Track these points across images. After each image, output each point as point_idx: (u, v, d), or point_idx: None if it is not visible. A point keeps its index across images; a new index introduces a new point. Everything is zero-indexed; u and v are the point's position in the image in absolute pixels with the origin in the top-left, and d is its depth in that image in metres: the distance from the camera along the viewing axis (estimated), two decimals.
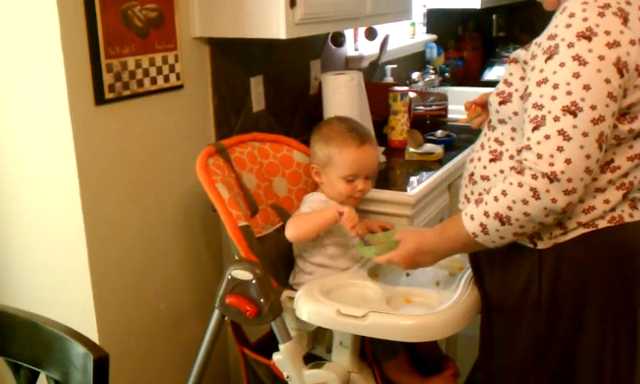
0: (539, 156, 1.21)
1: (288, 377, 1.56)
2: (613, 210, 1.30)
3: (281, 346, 1.55)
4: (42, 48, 1.53)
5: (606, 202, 1.30)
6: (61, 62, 1.51)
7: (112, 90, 1.64)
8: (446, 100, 2.93)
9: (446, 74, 3.73)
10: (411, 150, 2.33)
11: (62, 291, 1.70)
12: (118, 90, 1.65)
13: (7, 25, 1.56)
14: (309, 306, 1.46)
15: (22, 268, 1.75)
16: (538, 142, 1.22)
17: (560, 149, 1.19)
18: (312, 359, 1.60)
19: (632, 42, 1.20)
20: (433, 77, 3.50)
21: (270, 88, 2.27)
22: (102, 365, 1.04)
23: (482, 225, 1.30)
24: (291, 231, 1.64)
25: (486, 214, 1.29)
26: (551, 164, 1.20)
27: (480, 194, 1.36)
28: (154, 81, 1.76)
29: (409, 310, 1.47)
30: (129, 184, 1.74)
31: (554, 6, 1.38)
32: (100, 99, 1.61)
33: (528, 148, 1.23)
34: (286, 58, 2.37)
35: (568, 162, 1.19)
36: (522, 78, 1.34)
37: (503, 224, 1.27)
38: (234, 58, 2.07)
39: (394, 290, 1.54)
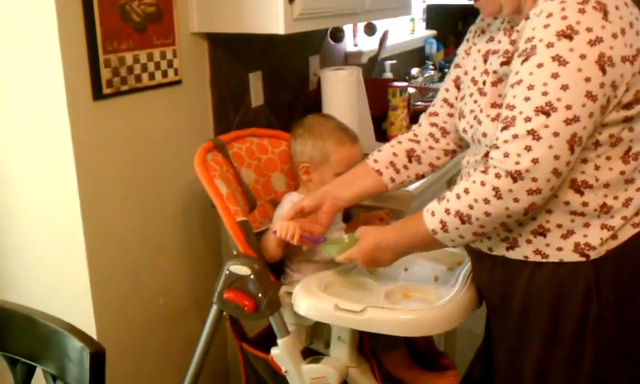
0: (506, 155, 1.19)
1: (286, 371, 1.56)
2: None
3: (279, 341, 1.55)
4: (40, 43, 1.52)
5: (639, 189, 1.28)
6: (58, 58, 1.51)
7: (110, 85, 1.63)
8: None
9: (446, 70, 3.71)
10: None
11: (60, 287, 1.70)
12: (116, 85, 1.65)
13: (4, 20, 1.55)
14: (307, 300, 1.46)
15: (20, 263, 1.75)
16: (506, 141, 1.19)
17: (528, 148, 1.17)
18: (310, 354, 1.60)
19: (614, 36, 1.17)
20: (432, 72, 3.50)
21: (269, 83, 2.27)
22: (98, 359, 1.04)
23: (442, 222, 1.28)
24: (265, 256, 1.64)
25: (447, 212, 1.27)
26: (517, 162, 1.17)
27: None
28: (152, 76, 1.76)
29: (407, 305, 1.47)
30: (127, 179, 1.74)
31: (494, 13, 1.35)
32: (98, 94, 1.61)
33: (495, 147, 1.21)
34: (285, 53, 2.36)
35: (535, 161, 1.16)
36: None
37: (463, 223, 1.25)
38: (233, 53, 2.07)
39: (392, 285, 1.53)
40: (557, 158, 1.17)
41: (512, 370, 1.42)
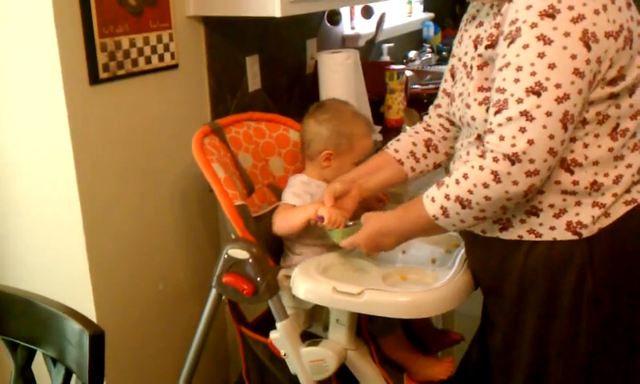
0: (501, 138, 1.19)
1: (285, 355, 1.57)
2: None
3: (278, 325, 1.56)
4: (36, 28, 1.52)
5: (629, 166, 1.29)
6: (54, 42, 1.50)
7: (106, 69, 1.63)
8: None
9: (443, 53, 3.71)
10: (408, 128, 2.33)
11: (60, 273, 1.71)
12: (113, 70, 1.65)
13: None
14: (305, 284, 1.47)
15: (19, 249, 1.76)
16: (500, 124, 1.20)
17: (522, 130, 1.17)
18: (309, 337, 1.60)
19: (596, 12, 1.18)
20: (430, 55, 3.49)
21: (266, 67, 2.26)
22: (97, 341, 1.04)
23: (442, 207, 1.29)
24: (276, 227, 1.64)
25: (447, 197, 1.28)
26: (513, 145, 1.18)
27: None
28: (148, 60, 1.75)
29: (405, 288, 1.47)
30: (125, 164, 1.74)
31: None
32: (94, 79, 1.61)
33: (490, 131, 1.22)
34: (282, 36, 2.36)
35: (530, 142, 1.17)
36: None
37: (464, 207, 1.26)
38: (230, 37, 2.06)
39: (390, 268, 1.54)
40: (551, 137, 1.18)
41: (508, 350, 1.43)
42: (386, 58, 3.08)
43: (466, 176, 1.25)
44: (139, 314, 1.84)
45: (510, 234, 1.35)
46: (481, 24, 1.42)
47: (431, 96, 2.85)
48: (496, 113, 1.21)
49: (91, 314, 1.69)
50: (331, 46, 2.67)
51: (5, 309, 1.18)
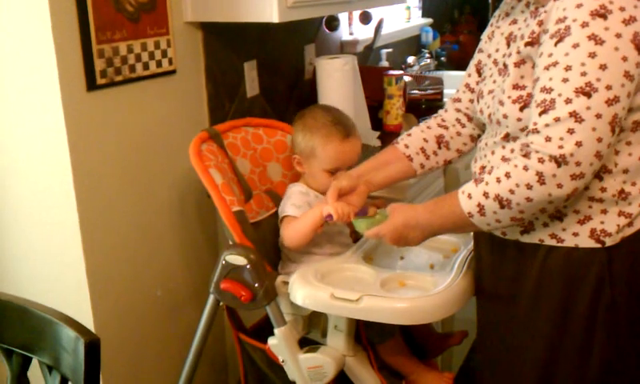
0: (548, 139, 1.16)
1: (283, 361, 1.57)
2: None
3: (276, 331, 1.55)
4: (33, 34, 1.52)
5: None
6: (52, 48, 1.50)
7: (104, 75, 1.63)
8: (441, 84, 2.93)
9: (442, 58, 3.72)
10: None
11: (57, 279, 1.70)
12: (110, 76, 1.64)
13: None
14: (303, 290, 1.46)
15: (17, 256, 1.75)
16: (547, 125, 1.17)
17: (571, 131, 1.14)
18: (307, 343, 1.59)
19: None
20: (428, 61, 3.50)
21: (264, 73, 2.26)
22: (92, 348, 1.04)
23: (479, 205, 1.26)
24: (288, 242, 1.62)
25: (486, 195, 1.25)
26: (560, 146, 1.15)
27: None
28: (146, 66, 1.75)
29: (403, 293, 1.47)
30: (122, 170, 1.73)
31: None
32: (92, 85, 1.60)
33: (535, 131, 1.19)
34: (280, 42, 2.36)
35: (579, 144, 1.14)
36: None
37: (502, 207, 1.23)
38: (228, 42, 2.06)
39: (389, 274, 1.53)
40: (599, 140, 1.15)
41: (516, 358, 1.40)
42: (384, 63, 3.09)
43: (508, 175, 1.22)
44: (137, 320, 1.84)
45: (531, 238, 1.32)
46: (515, 21, 1.39)
47: (430, 101, 2.87)
48: (542, 113, 1.18)
49: (89, 320, 1.68)
50: (329, 52, 2.67)
51: (0, 316, 1.18)
